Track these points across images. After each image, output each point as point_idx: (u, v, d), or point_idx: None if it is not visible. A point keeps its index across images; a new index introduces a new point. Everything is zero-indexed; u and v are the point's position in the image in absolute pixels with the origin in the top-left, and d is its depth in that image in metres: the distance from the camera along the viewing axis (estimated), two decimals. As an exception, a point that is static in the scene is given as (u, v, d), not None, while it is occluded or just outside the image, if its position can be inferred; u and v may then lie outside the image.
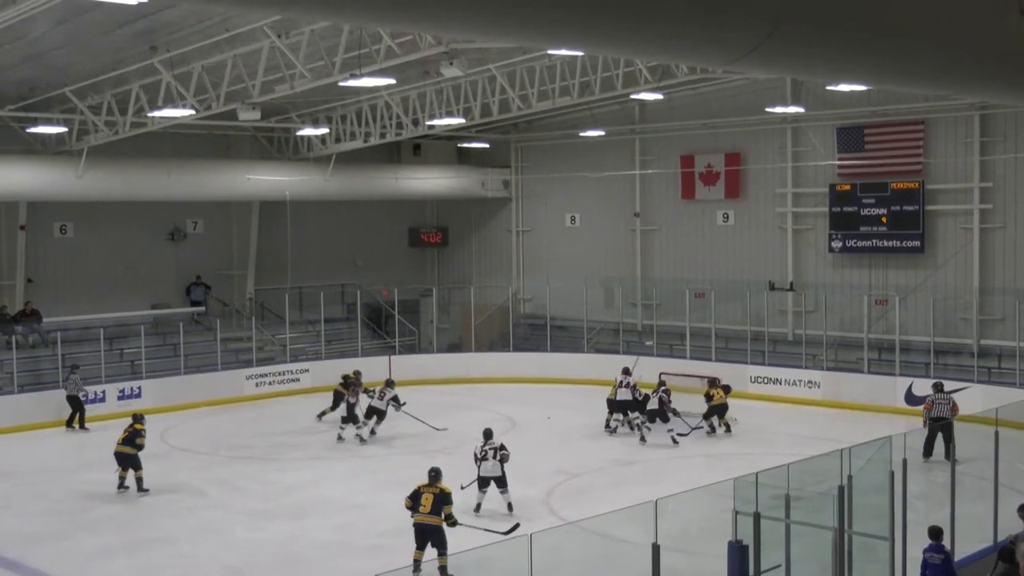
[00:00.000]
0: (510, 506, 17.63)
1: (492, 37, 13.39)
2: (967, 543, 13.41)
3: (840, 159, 28.75)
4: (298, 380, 30.02)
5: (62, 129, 26.15)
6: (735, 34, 7.21)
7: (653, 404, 23.35)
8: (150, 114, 23.99)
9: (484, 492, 17.70)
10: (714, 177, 31.39)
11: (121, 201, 29.60)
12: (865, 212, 28.25)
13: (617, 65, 25.21)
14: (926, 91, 22.50)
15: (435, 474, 15.00)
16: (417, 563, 14.23)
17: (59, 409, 25.27)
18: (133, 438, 19.54)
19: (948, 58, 8.65)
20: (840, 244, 28.85)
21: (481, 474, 17.65)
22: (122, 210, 30.46)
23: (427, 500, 14.48)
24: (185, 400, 27.10)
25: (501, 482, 17.67)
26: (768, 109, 28.45)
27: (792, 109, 28.30)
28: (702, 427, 23.67)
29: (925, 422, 20.76)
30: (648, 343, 30.63)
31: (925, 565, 12.04)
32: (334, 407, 25.09)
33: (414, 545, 14.42)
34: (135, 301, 30.66)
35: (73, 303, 29.15)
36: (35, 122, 25.85)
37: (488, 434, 18.05)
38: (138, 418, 20.08)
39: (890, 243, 28.00)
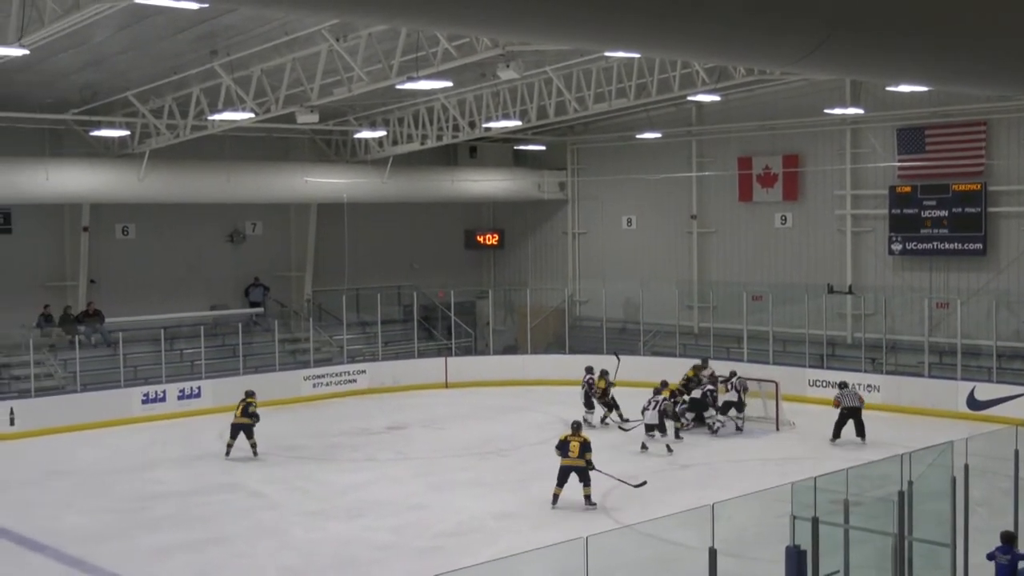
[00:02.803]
0: (668, 448, 22.14)
1: (550, 40, 13.40)
2: (1030, 550, 13.19)
3: (900, 160, 28.42)
4: (355, 381, 30.19)
5: (124, 132, 26.52)
6: (794, 36, 7.15)
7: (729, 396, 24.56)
8: (210, 117, 24.27)
9: (651, 436, 22.40)
10: (772, 179, 31.16)
11: (182, 203, 29.96)
12: (926, 214, 27.90)
13: (674, 67, 25.11)
14: (988, 91, 22.18)
15: (577, 426, 18.92)
16: (556, 497, 18.11)
17: (121, 408, 25.72)
18: (247, 409, 22.23)
19: (1011, 57, 8.52)
20: (900, 247, 28.52)
21: (645, 421, 22.54)
22: (183, 212, 30.84)
23: (575, 447, 18.09)
24: (244, 400, 27.36)
25: (660, 428, 22.30)
26: (827, 110, 28.20)
27: (851, 110, 28.04)
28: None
29: (840, 407, 23.19)
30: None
31: (994, 562, 11.90)
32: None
33: (555, 483, 18.12)
34: (195, 302, 31.02)
35: (134, 304, 29.53)
36: (98, 125, 26.24)
37: (657, 389, 23.04)
38: (249, 393, 22.74)
39: (951, 245, 27.63)
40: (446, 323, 33.18)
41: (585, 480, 18.07)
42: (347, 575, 15.48)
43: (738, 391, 24.43)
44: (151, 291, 30.33)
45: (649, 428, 22.46)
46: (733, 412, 24.40)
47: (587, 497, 18.03)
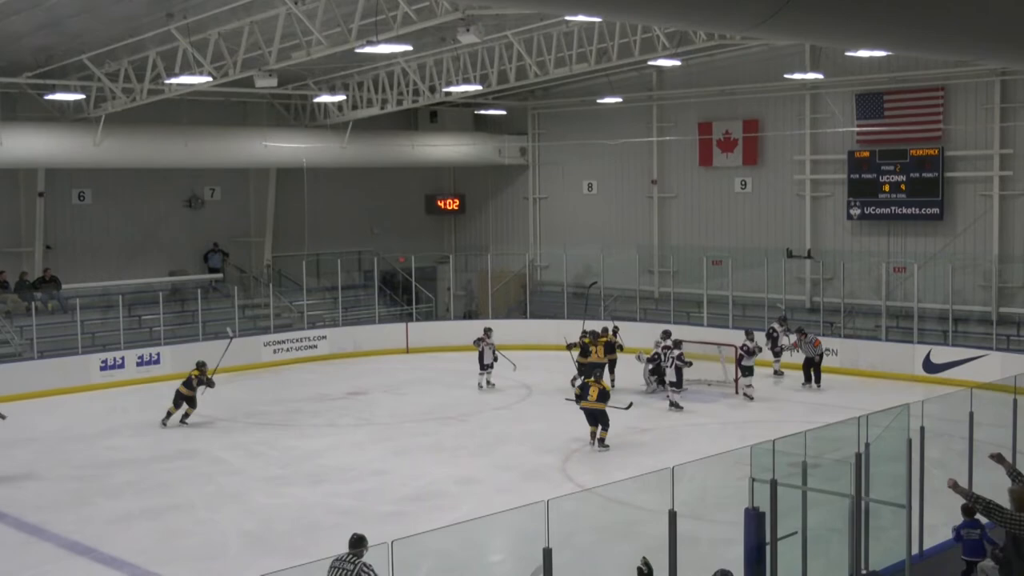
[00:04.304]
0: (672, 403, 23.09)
1: (511, 4, 13.32)
2: (984, 511, 13.38)
3: (859, 126, 28.58)
4: (315, 347, 30.13)
5: (80, 96, 26.17)
6: (753, 0, 7.15)
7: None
8: (167, 81, 23.98)
9: (674, 391, 23.19)
10: (732, 144, 31.25)
11: (139, 168, 29.66)
12: (884, 179, 28.09)
13: (635, 31, 25.06)
14: (948, 57, 22.31)
15: (599, 374, 21.37)
16: (593, 434, 19.79)
17: (79, 375, 25.50)
18: (190, 381, 22.40)
19: (970, 23, 8.56)
20: (859, 211, 28.71)
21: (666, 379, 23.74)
22: (140, 177, 30.53)
23: (594, 392, 19.83)
24: (203, 367, 27.24)
25: (677, 384, 23.17)
26: (787, 75, 28.25)
27: (811, 75, 28.11)
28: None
29: (816, 354, 25.32)
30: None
31: (958, 538, 11.91)
32: None
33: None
34: (153, 268, 30.82)
35: (92, 270, 29.30)
36: (53, 89, 25.86)
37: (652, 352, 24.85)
38: (198, 365, 22.69)
39: (909, 210, 27.85)
40: (407, 288, 33.13)
41: (604, 423, 19.64)
42: (308, 540, 15.46)
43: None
44: (108, 257, 30.09)
45: (673, 385, 23.19)
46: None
47: (601, 440, 19.62)
